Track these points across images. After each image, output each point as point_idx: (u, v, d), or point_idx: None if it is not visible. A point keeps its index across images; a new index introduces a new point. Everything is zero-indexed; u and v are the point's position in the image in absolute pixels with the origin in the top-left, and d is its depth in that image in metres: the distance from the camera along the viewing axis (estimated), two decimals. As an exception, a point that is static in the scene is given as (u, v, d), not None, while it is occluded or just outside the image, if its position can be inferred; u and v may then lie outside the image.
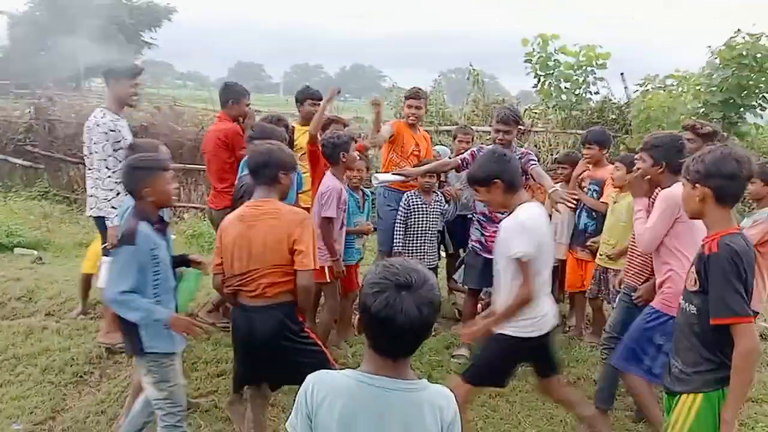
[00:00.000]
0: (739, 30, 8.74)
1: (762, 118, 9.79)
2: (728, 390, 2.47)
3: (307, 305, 3.52)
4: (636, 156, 3.78)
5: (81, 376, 4.42)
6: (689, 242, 3.28)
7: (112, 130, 4.58)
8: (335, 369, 3.25)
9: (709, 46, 9.19)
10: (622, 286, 4.27)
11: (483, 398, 4.44)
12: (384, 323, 1.62)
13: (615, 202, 5.13)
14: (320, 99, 5.53)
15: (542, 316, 3.39)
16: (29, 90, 12.53)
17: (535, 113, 10.92)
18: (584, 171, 5.66)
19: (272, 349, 3.28)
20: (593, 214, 5.40)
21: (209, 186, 5.97)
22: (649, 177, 3.67)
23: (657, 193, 3.70)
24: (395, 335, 1.64)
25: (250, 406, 3.61)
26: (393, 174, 5.30)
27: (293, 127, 5.55)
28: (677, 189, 3.01)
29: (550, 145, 10.14)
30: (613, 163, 5.32)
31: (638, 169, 3.73)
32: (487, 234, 4.98)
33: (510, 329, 3.35)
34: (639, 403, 3.84)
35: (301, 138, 5.47)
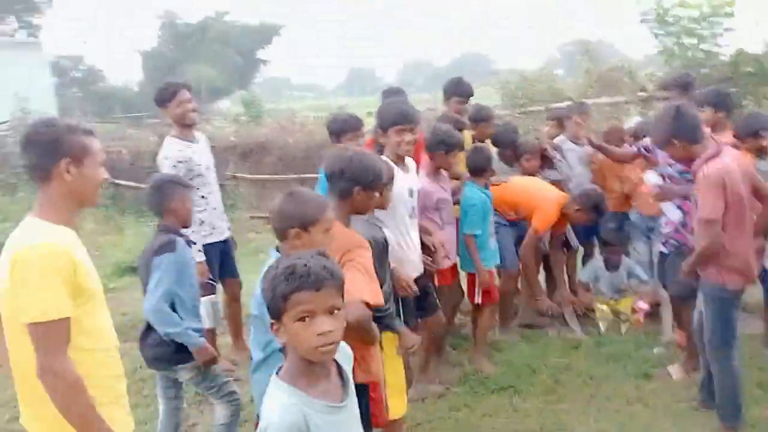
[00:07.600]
0: None
1: None
2: None
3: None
4: None
5: (203, 395, 4.46)
6: None
7: (180, 161, 4.29)
8: None
9: None
10: None
11: (619, 403, 4.07)
12: None
13: None
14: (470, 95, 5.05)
15: None
16: (159, 120, 13.19)
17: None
18: None
19: None
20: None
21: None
22: None
23: None
24: None
25: None
26: None
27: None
28: None
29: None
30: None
31: None
32: None
33: None
34: None
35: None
